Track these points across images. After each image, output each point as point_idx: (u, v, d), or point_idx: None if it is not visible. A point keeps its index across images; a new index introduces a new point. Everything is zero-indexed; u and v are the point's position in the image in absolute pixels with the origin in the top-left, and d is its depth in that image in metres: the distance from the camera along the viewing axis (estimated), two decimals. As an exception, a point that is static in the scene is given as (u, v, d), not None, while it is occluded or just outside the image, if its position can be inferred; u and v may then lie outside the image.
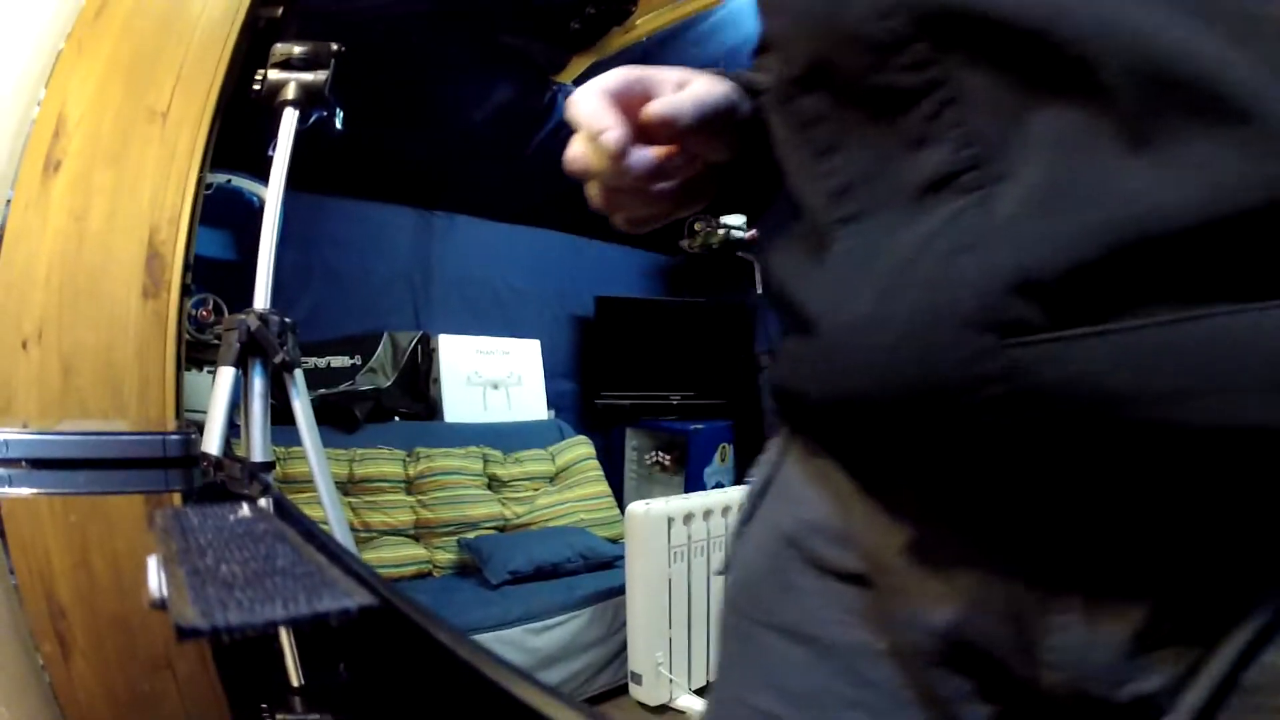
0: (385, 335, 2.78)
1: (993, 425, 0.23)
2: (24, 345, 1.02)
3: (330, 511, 1.27)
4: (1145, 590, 0.25)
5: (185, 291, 1.14)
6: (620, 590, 2.17)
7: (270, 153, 1.26)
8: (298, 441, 1.26)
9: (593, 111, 0.34)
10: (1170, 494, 0.22)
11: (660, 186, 0.39)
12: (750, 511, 0.41)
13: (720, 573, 0.41)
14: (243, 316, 1.18)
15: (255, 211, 2.06)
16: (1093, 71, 0.21)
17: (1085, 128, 0.22)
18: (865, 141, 0.28)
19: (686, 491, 2.89)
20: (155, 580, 0.23)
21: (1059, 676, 0.27)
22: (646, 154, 0.35)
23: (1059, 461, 0.23)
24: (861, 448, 0.30)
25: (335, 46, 1.28)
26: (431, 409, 2.83)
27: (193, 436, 0.67)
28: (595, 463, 2.93)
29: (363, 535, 2.32)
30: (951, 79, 0.25)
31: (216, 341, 1.25)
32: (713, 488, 3.05)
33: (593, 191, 0.39)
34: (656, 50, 2.41)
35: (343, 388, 2.65)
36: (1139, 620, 0.26)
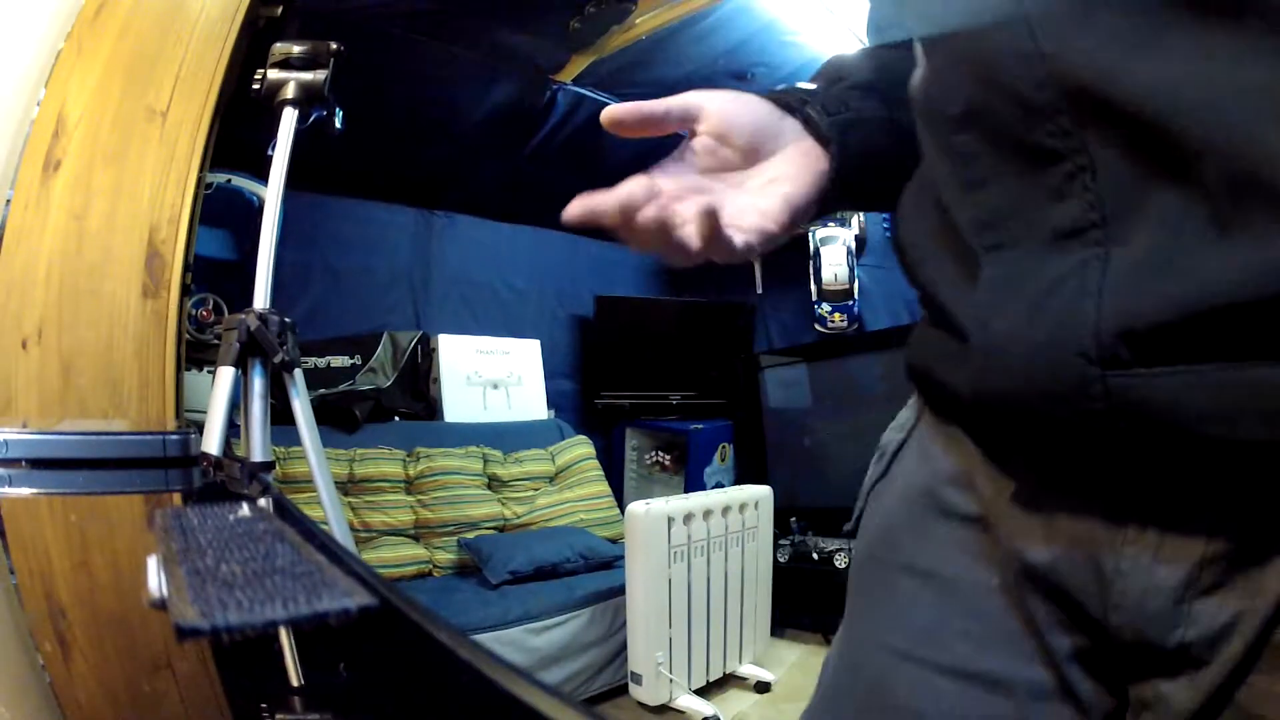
0: (385, 335, 2.78)
1: (1093, 427, 0.31)
2: (24, 345, 1.02)
3: (330, 511, 1.27)
4: (1197, 541, 0.32)
5: (185, 291, 1.14)
6: (620, 590, 2.17)
7: (270, 152, 1.26)
8: (298, 441, 1.26)
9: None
10: (1218, 472, 0.30)
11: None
12: (885, 469, 0.48)
13: (848, 532, 0.49)
14: (243, 316, 1.18)
15: (255, 211, 2.06)
16: (1198, 167, 0.27)
17: (1185, 211, 0.28)
18: (1011, 183, 0.34)
19: (686, 491, 2.89)
20: (155, 580, 0.23)
21: (1123, 618, 0.34)
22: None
23: (1140, 450, 0.31)
24: (991, 427, 0.38)
25: (335, 46, 1.28)
26: (431, 409, 2.83)
27: (193, 436, 0.67)
28: (595, 463, 2.93)
29: (363, 535, 2.32)
30: (1088, 149, 0.30)
31: (216, 341, 1.25)
32: (713, 488, 3.05)
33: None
34: (656, 48, 2.41)
35: (343, 388, 2.65)
36: (1187, 570, 0.32)
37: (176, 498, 0.63)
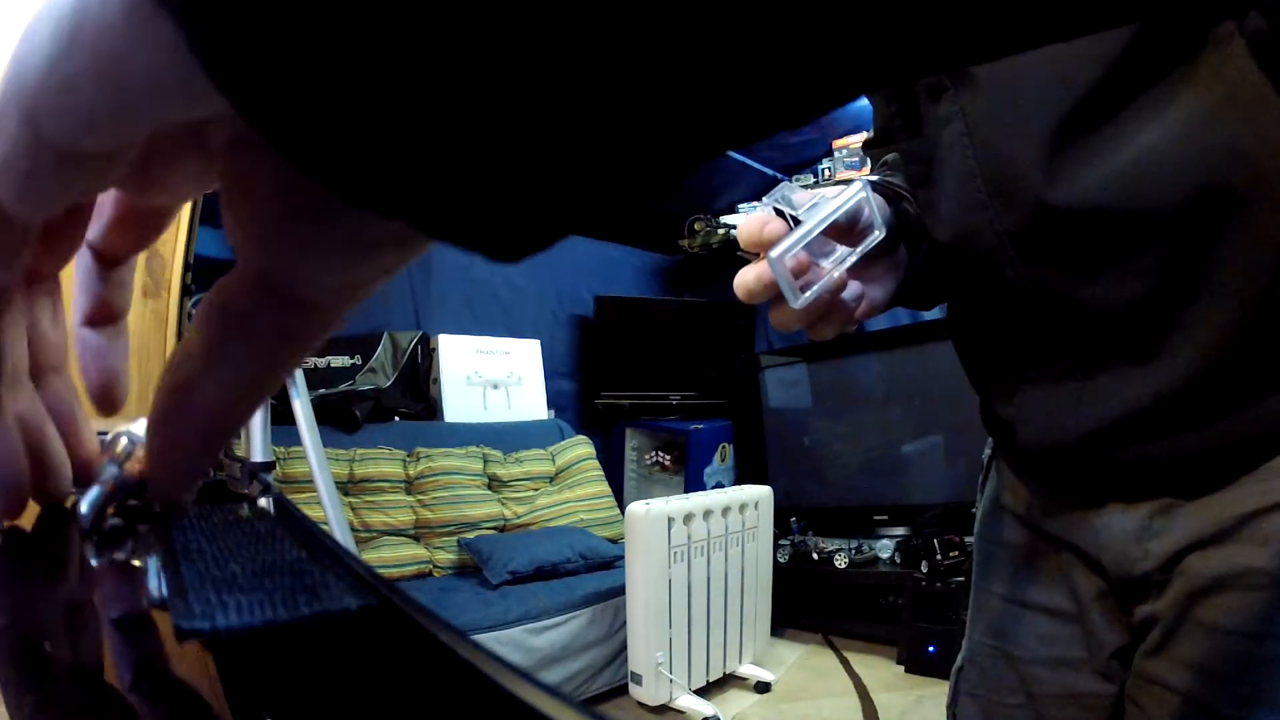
0: (385, 335, 2.78)
1: (1087, 477, 0.52)
2: (24, 345, 1.02)
3: (330, 511, 1.28)
4: (1145, 505, 0.49)
5: (185, 291, 1.14)
6: (620, 590, 2.17)
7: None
8: (298, 441, 1.27)
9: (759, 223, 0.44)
10: (1149, 469, 0.50)
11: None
12: (985, 477, 0.67)
13: (973, 510, 0.69)
14: (243, 316, 1.17)
15: (255, 211, 2.06)
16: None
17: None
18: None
19: (686, 491, 2.89)
20: (155, 580, 0.23)
21: (1108, 558, 0.52)
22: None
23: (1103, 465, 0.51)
24: (1025, 471, 0.59)
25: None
26: (431, 409, 2.83)
27: (193, 436, 0.67)
28: (595, 463, 2.93)
29: (363, 535, 2.32)
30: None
31: (216, 341, 1.25)
32: (713, 488, 3.05)
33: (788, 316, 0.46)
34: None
35: (343, 388, 2.65)
36: (1140, 522, 0.50)
37: (176, 498, 0.63)
